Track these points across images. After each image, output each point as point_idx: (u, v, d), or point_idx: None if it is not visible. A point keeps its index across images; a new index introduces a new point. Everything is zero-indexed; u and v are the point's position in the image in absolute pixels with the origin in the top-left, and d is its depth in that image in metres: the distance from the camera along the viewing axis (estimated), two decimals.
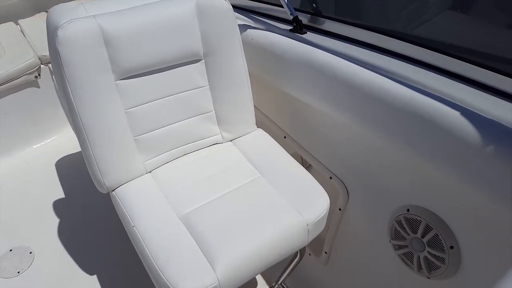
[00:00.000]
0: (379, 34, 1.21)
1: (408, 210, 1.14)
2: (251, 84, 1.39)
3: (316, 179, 1.28)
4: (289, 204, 1.17)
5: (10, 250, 1.76)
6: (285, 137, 1.54)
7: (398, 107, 1.03)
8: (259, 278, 1.67)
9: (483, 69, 1.01)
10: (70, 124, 1.57)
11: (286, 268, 1.44)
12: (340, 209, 1.38)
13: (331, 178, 1.38)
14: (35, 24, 2.40)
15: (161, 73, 1.23)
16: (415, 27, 1.29)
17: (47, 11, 2.52)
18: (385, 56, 1.20)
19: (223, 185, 1.24)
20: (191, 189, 1.23)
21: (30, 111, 2.25)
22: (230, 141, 1.42)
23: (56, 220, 1.90)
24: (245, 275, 1.07)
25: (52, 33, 1.11)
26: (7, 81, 2.05)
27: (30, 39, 2.26)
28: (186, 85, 1.28)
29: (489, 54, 1.07)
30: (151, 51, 1.18)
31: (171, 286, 0.98)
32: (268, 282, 1.65)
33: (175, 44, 1.21)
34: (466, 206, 1.00)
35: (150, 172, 1.30)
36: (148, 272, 1.09)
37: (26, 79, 2.12)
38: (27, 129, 2.27)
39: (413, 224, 1.12)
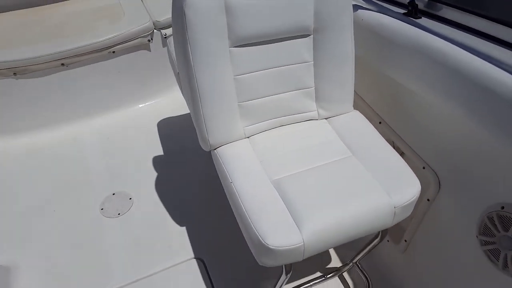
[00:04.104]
0: (502, 26, 1.17)
1: (502, 207, 1.12)
2: None
3: None
4: (379, 184, 1.20)
5: (113, 194, 2.01)
6: (380, 123, 1.56)
7: None
8: (334, 255, 1.74)
9: None
10: (180, 88, 1.73)
11: (364, 248, 1.48)
12: (428, 200, 1.39)
13: (424, 168, 1.38)
14: None
15: (270, 44, 1.29)
16: None
17: None
18: (507, 50, 1.16)
19: (314, 158, 1.29)
20: (284, 157, 1.30)
21: (139, 72, 2.49)
22: (326, 119, 1.47)
23: (155, 173, 2.12)
24: (328, 242, 1.13)
25: None
26: (124, 42, 2.29)
27: (146, 5, 2.48)
28: (292, 58, 1.34)
29: None
30: (265, 22, 1.24)
31: (261, 239, 1.06)
32: (342, 260, 1.72)
33: (288, 17, 1.26)
34: None
35: (248, 137, 1.39)
36: (240, 224, 1.19)
37: (140, 42, 2.35)
38: (135, 89, 2.52)
39: (505, 222, 1.11)
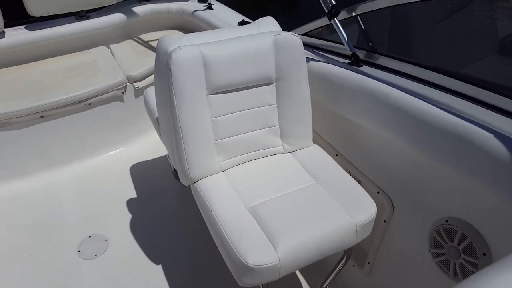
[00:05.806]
0: (428, 70, 1.42)
1: (446, 221, 1.30)
2: None
3: None
4: (341, 206, 1.37)
5: (89, 236, 2.07)
6: (337, 155, 1.75)
7: (444, 130, 1.22)
8: (304, 283, 1.84)
9: None
10: (157, 131, 1.87)
11: (333, 271, 1.61)
12: (385, 221, 1.55)
13: (378, 192, 1.56)
14: (123, 49, 2.82)
15: (241, 91, 1.51)
16: (462, 66, 1.50)
17: (133, 39, 2.96)
18: (432, 89, 1.41)
19: (283, 186, 1.46)
20: (256, 187, 1.47)
21: (112, 121, 2.62)
22: (290, 152, 1.66)
23: (129, 214, 2.20)
24: (300, 260, 1.26)
25: (163, 55, 1.43)
26: (100, 94, 2.45)
27: (119, 61, 2.66)
28: (259, 102, 1.55)
29: None
30: (237, 74, 1.46)
31: (241, 258, 1.19)
32: (312, 287, 1.82)
33: (255, 70, 1.49)
34: (497, 217, 1.15)
35: (223, 171, 1.55)
36: (221, 248, 1.32)
37: (115, 94, 2.50)
38: (108, 136, 2.64)
39: (450, 233, 1.28)
